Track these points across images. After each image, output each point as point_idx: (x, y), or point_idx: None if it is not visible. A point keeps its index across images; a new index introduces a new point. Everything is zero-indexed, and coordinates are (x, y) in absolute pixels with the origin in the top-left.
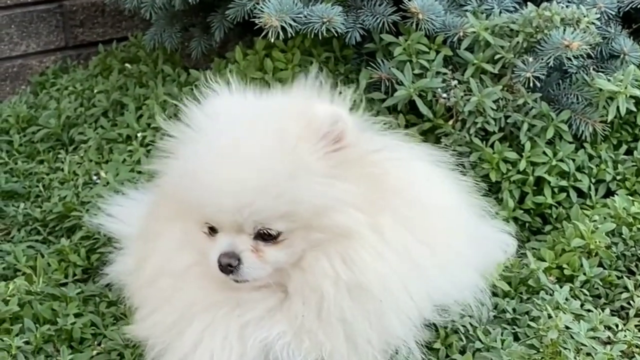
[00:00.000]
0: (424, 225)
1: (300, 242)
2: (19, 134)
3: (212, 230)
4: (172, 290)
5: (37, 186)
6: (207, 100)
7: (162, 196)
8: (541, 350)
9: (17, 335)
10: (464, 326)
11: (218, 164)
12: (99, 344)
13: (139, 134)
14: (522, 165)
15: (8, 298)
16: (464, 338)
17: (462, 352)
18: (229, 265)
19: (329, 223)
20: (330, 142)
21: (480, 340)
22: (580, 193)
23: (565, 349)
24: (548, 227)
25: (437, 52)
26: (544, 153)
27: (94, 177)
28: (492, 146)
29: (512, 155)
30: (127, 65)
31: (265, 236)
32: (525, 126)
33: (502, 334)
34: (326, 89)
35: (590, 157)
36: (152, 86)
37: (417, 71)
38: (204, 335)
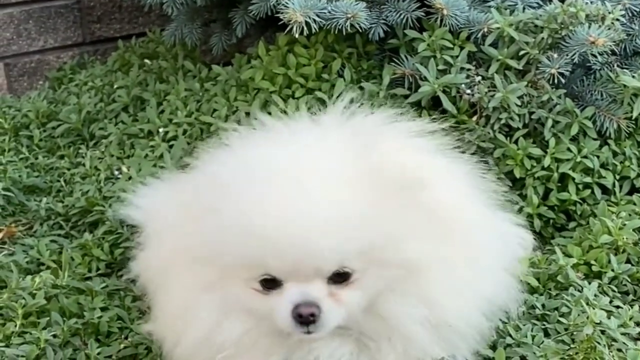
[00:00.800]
0: (470, 241)
1: (375, 282)
2: (39, 129)
3: (271, 283)
4: None
5: (59, 181)
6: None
7: (191, 261)
8: (574, 345)
9: (44, 328)
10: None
11: (288, 214)
12: (126, 338)
13: (160, 130)
14: (547, 161)
15: (35, 292)
16: (494, 334)
17: (493, 347)
18: (311, 315)
19: (401, 256)
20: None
21: (510, 336)
22: (605, 190)
23: (599, 344)
24: (572, 224)
25: (461, 48)
26: (569, 149)
27: (116, 172)
28: (516, 142)
29: (536, 151)
30: (146, 61)
31: (339, 278)
32: (549, 122)
33: (532, 330)
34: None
35: (615, 154)
36: (172, 82)
37: (441, 67)
38: None
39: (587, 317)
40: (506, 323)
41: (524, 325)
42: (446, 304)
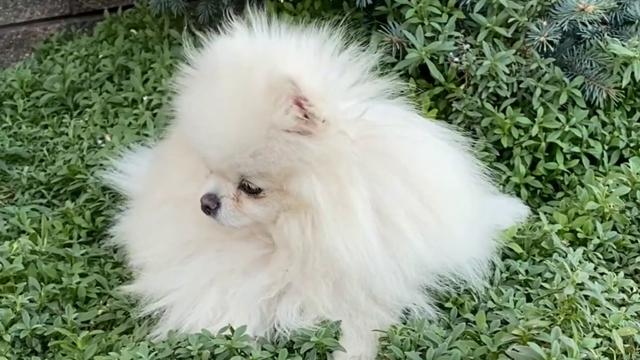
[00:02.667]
0: (425, 197)
1: (276, 203)
2: (23, 98)
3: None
4: (172, 217)
5: (42, 150)
6: (212, 44)
7: (176, 131)
8: (556, 307)
9: (21, 293)
10: (474, 287)
11: (206, 116)
12: (105, 304)
13: (144, 98)
14: (535, 130)
15: (12, 257)
16: (475, 298)
17: (474, 311)
18: (207, 207)
19: (295, 189)
20: (291, 104)
21: (492, 300)
22: (593, 160)
23: (580, 305)
24: (560, 194)
25: (450, 15)
26: (557, 119)
27: (99, 141)
28: (504, 111)
29: (524, 120)
30: (132, 31)
31: (246, 188)
32: (538, 91)
33: (514, 295)
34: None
35: (604, 124)
36: (158, 50)
37: (428, 34)
38: (197, 275)
39: (569, 279)
40: (488, 288)
41: (506, 290)
42: (327, 238)
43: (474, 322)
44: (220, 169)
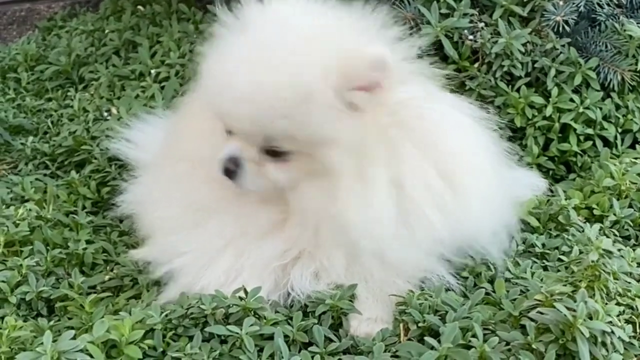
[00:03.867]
0: (445, 170)
1: (300, 169)
2: (27, 72)
3: (229, 133)
4: (185, 180)
5: (46, 122)
6: (252, 5)
7: (198, 91)
8: (576, 274)
9: (26, 257)
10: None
11: (239, 70)
12: (112, 270)
13: (152, 71)
14: (549, 111)
15: (18, 222)
16: (492, 268)
17: (491, 281)
18: (229, 170)
19: (322, 156)
20: (363, 85)
21: (509, 271)
22: (606, 142)
23: (605, 272)
24: (572, 176)
25: None
26: (571, 100)
27: (105, 114)
28: (517, 91)
29: (538, 100)
30: (139, 7)
31: (270, 152)
32: (552, 71)
33: (531, 267)
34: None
35: (617, 107)
36: (166, 25)
37: (443, 11)
38: (210, 238)
39: (593, 245)
40: (504, 260)
41: (523, 262)
42: (344, 208)
43: (493, 291)
44: (246, 130)
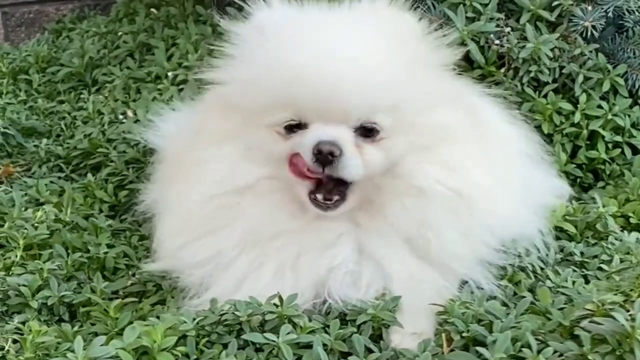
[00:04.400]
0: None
1: (401, 145)
2: (39, 73)
3: (296, 128)
4: (231, 212)
5: (59, 124)
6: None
7: (219, 110)
8: (626, 283)
9: (46, 261)
10: (531, 264)
11: (333, 48)
12: (133, 275)
13: (169, 73)
14: (577, 117)
15: (37, 224)
16: (532, 276)
17: (530, 290)
18: (331, 154)
19: (431, 123)
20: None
21: (550, 279)
22: (635, 150)
23: None
24: (600, 184)
25: None
26: (599, 107)
27: (120, 116)
28: (545, 97)
29: (566, 106)
30: (152, 10)
31: (366, 132)
32: (580, 78)
33: (571, 276)
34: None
35: None
36: (182, 28)
37: (469, 15)
38: (254, 267)
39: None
40: (543, 268)
41: (563, 270)
42: (468, 174)
43: (536, 300)
44: (341, 107)
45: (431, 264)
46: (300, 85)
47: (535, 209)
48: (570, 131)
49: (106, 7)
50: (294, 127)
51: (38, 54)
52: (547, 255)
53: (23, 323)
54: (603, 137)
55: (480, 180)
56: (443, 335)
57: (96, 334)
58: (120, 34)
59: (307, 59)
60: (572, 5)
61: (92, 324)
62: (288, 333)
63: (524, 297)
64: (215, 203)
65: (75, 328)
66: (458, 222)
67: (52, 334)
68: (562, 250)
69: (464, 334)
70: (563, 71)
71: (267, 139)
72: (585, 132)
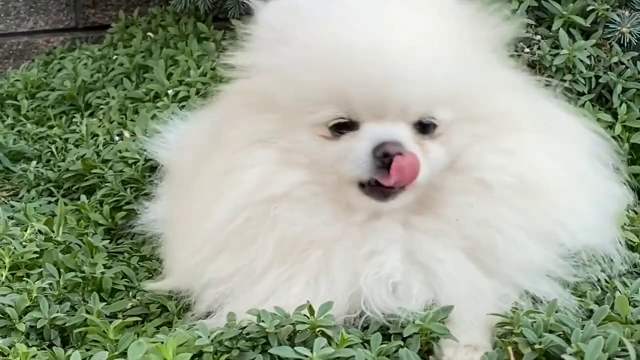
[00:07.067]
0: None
1: (460, 138)
2: (28, 99)
3: (344, 128)
4: (263, 222)
5: (49, 149)
6: None
7: (246, 108)
8: None
9: (36, 280)
10: (596, 275)
11: (381, 38)
12: (134, 297)
13: (169, 91)
14: (617, 130)
15: (25, 243)
16: (598, 288)
17: (597, 302)
18: (399, 154)
19: (493, 111)
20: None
21: (619, 291)
22: None
23: None
24: None
25: (521, 2)
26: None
27: (116, 137)
28: (582, 107)
29: (606, 118)
30: (149, 34)
31: (423, 128)
32: (619, 88)
33: None
34: None
35: None
36: (181, 47)
37: None
38: (284, 279)
39: None
40: (611, 279)
41: (632, 282)
42: (534, 162)
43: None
44: (399, 103)
45: (492, 269)
46: (352, 74)
47: (606, 215)
48: None
49: (99, 39)
50: (342, 127)
51: (27, 79)
52: (610, 266)
53: (10, 347)
54: None
55: (550, 169)
56: (509, 348)
57: None
58: (115, 57)
59: (360, 41)
60: (607, 10)
61: (87, 349)
62: (323, 347)
63: (591, 309)
64: (246, 215)
65: (69, 352)
66: (526, 220)
67: (43, 357)
68: (625, 261)
69: (536, 346)
70: (600, 81)
71: (310, 142)
72: (626, 145)
